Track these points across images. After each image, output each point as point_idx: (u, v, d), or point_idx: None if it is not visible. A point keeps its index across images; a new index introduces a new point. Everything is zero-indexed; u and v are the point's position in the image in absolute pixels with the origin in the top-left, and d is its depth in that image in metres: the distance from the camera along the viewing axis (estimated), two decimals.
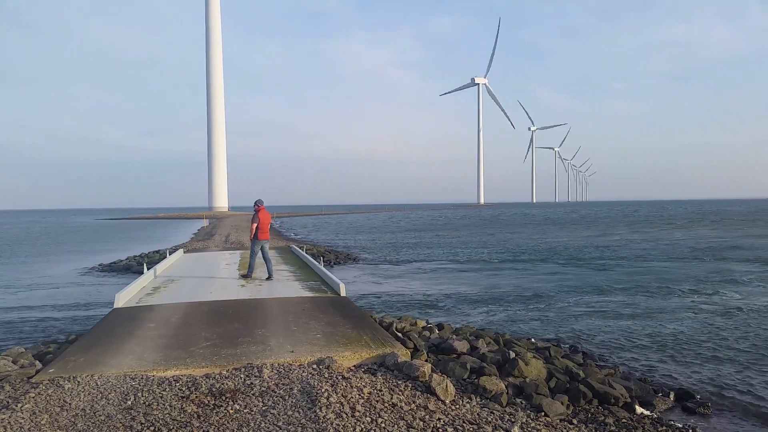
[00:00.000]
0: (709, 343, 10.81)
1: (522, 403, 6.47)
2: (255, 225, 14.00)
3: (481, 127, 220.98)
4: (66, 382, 6.37)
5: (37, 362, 7.56)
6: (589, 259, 26.92)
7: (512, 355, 7.96)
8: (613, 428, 6.11)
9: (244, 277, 14.25)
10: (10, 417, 5.37)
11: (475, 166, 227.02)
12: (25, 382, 6.52)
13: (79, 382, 6.39)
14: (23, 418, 5.40)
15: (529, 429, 5.61)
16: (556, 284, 18.99)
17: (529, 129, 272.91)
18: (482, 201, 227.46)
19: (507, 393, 6.61)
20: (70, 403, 5.79)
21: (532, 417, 6.01)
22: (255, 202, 14.03)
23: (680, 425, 6.62)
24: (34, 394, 5.97)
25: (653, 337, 11.37)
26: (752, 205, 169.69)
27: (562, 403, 6.55)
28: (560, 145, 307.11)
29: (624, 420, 6.41)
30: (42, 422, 5.34)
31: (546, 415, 6.15)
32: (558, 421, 6.08)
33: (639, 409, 6.97)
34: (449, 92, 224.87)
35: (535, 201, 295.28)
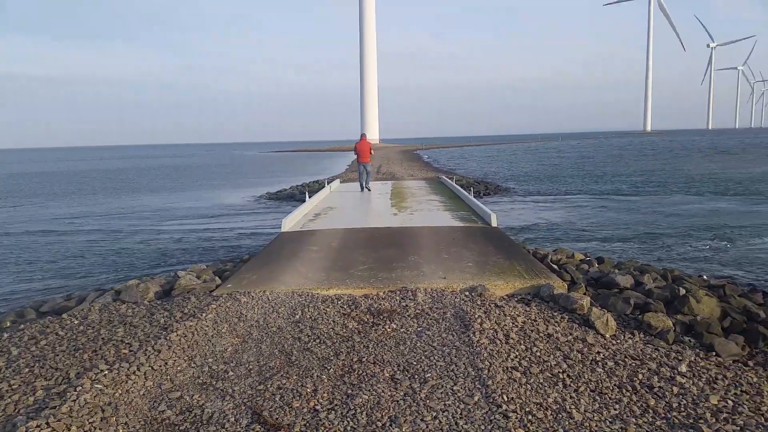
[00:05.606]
0: None
1: (690, 341, 6.00)
2: (354, 152, 19.69)
3: (650, 46, 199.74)
4: (242, 296, 7.07)
5: (217, 278, 8.43)
6: None
7: (682, 291, 7.37)
8: None
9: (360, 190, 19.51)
10: (196, 324, 6.10)
11: (642, 89, 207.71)
12: (207, 295, 7.34)
13: (252, 296, 7.05)
14: (207, 326, 6.10)
15: (698, 368, 5.20)
16: (732, 219, 17.12)
17: (708, 46, 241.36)
18: (649, 128, 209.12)
19: (674, 330, 6.16)
20: (245, 315, 6.43)
21: (701, 356, 5.56)
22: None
23: None
24: (215, 306, 6.70)
25: None
26: None
27: (736, 344, 5.97)
28: (744, 63, 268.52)
29: None
30: (222, 330, 5.99)
31: (717, 355, 5.66)
32: (731, 362, 5.56)
33: None
34: (614, 2, 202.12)
35: (710, 127, 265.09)
